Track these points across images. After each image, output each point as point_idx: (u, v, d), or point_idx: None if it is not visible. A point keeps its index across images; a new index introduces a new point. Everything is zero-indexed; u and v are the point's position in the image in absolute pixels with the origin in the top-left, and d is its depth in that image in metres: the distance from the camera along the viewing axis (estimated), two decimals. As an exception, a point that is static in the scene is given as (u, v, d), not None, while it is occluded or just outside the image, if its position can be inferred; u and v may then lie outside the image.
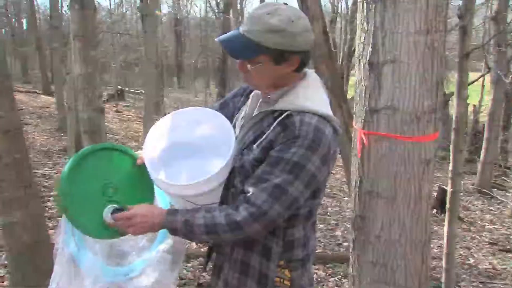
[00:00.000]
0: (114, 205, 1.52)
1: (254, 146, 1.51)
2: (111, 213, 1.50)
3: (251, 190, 1.45)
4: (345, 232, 5.96)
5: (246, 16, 1.53)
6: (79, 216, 1.51)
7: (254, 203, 1.43)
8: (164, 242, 1.68)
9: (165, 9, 30.20)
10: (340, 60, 18.38)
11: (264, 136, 1.50)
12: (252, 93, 1.68)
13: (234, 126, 1.69)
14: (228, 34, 1.51)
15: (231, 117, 1.72)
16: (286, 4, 1.49)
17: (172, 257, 1.67)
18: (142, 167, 1.60)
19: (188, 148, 1.73)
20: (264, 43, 1.43)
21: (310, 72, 1.62)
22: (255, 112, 1.61)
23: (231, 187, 1.56)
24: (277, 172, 1.43)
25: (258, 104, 1.63)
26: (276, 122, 1.49)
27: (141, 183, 1.62)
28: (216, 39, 1.52)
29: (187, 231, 1.47)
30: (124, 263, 1.63)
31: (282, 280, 1.56)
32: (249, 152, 1.52)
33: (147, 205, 1.55)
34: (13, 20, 24.15)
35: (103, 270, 1.58)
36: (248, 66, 1.50)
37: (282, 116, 1.49)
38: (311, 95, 1.53)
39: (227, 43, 1.49)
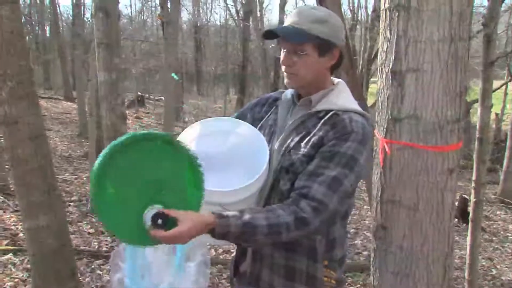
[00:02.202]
0: (155, 209, 1.33)
1: (302, 144, 1.54)
2: (152, 219, 1.31)
3: (307, 184, 1.45)
4: (365, 240, 5.90)
5: (292, 13, 1.63)
6: (113, 218, 1.33)
7: (314, 197, 1.43)
8: (192, 256, 1.62)
9: (185, 16, 30.49)
10: (360, 67, 18.28)
11: (312, 134, 1.53)
12: (280, 101, 1.72)
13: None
14: (277, 27, 1.61)
15: None
16: None
17: (200, 270, 1.65)
18: (182, 156, 1.40)
19: (218, 158, 1.70)
20: (311, 31, 1.52)
21: (339, 79, 1.69)
22: (289, 117, 1.65)
23: (276, 188, 1.57)
24: (332, 166, 1.45)
25: (294, 109, 1.67)
26: (322, 121, 1.54)
27: (181, 176, 1.40)
28: (262, 35, 1.61)
29: (245, 234, 1.38)
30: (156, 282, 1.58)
31: (330, 279, 1.58)
32: (297, 152, 1.54)
33: (191, 216, 1.35)
34: (37, 27, 24.59)
35: None
36: (294, 58, 1.56)
37: (328, 115, 1.54)
38: (348, 97, 1.62)
39: (281, 29, 1.56)
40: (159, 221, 1.32)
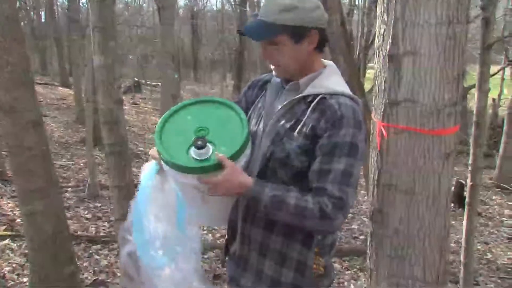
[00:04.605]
0: (199, 138, 1.51)
1: (295, 133, 1.52)
2: (194, 144, 1.50)
3: (320, 186, 1.46)
4: (361, 225, 5.94)
5: (263, 3, 1.61)
6: (171, 152, 1.55)
7: (333, 195, 1.44)
8: (190, 228, 1.67)
9: (181, 1, 30.27)
10: (357, 52, 18.19)
11: (303, 123, 1.52)
12: (270, 83, 1.72)
13: (249, 119, 1.71)
14: (248, 23, 1.58)
15: (245, 112, 1.75)
16: None
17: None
18: (238, 118, 1.60)
19: None
20: (279, 22, 1.49)
21: (329, 62, 1.67)
22: (278, 101, 1.64)
23: (272, 177, 1.55)
24: (336, 159, 1.45)
25: (282, 93, 1.65)
26: (311, 107, 1.52)
27: (233, 130, 1.59)
28: (237, 31, 1.61)
29: (272, 205, 1.46)
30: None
31: (318, 266, 1.59)
32: (290, 141, 1.52)
33: (235, 171, 1.48)
34: (32, 13, 24.33)
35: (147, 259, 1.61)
36: (272, 50, 1.55)
37: (316, 100, 1.52)
38: (338, 80, 1.60)
39: (247, 29, 1.55)
40: (199, 142, 1.50)
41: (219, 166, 1.48)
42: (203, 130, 1.57)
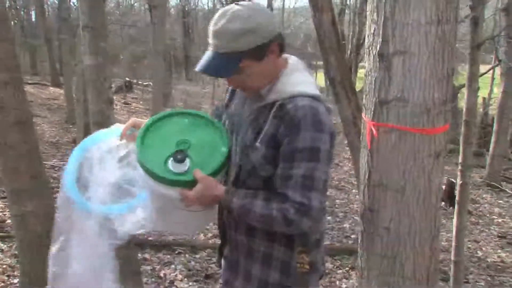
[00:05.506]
0: (179, 151, 1.54)
1: (257, 144, 1.52)
2: (173, 156, 1.53)
3: (282, 191, 1.47)
4: (353, 224, 5.96)
5: (210, 34, 1.55)
6: (149, 158, 1.56)
7: (294, 201, 1.44)
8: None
9: (173, 0, 30.18)
10: (349, 52, 18.23)
11: (264, 132, 1.51)
12: (237, 90, 1.71)
13: (224, 124, 1.72)
14: (204, 60, 1.54)
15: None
16: (237, 3, 1.50)
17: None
18: (218, 133, 1.63)
19: None
20: (240, 49, 1.46)
21: (290, 57, 1.64)
22: (245, 110, 1.64)
23: (243, 186, 1.57)
24: (296, 164, 1.45)
25: (247, 101, 1.65)
26: (271, 115, 1.51)
27: (213, 145, 1.62)
28: (196, 70, 1.55)
29: (241, 214, 1.53)
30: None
31: (302, 264, 1.60)
32: (254, 151, 1.53)
33: (208, 184, 1.52)
34: (22, 12, 24.16)
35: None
36: (237, 77, 1.53)
37: (275, 107, 1.51)
38: (297, 79, 1.57)
39: (209, 68, 1.53)
40: (179, 156, 1.53)
41: (193, 183, 1.51)
42: (185, 143, 1.58)
